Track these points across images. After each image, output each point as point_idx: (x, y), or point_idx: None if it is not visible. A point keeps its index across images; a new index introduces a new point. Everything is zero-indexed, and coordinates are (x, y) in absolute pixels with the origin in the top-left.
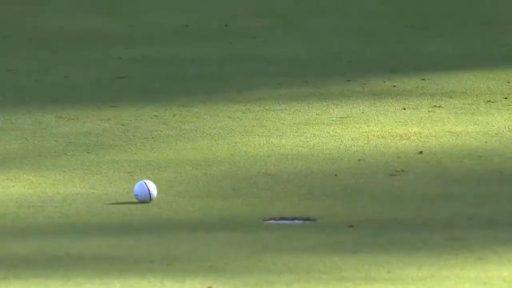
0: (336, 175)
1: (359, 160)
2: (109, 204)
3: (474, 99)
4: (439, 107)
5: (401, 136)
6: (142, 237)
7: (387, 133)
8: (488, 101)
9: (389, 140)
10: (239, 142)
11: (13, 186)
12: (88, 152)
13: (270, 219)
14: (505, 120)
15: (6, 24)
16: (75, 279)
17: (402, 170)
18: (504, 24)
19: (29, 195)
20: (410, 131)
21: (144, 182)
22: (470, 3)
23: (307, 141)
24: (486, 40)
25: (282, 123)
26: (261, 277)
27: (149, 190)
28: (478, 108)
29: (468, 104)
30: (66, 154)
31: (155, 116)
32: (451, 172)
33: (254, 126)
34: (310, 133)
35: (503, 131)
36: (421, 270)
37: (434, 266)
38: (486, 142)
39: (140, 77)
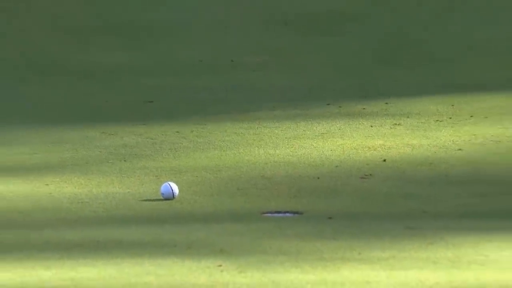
0: (318, 178)
1: (336, 166)
2: (141, 200)
3: (426, 118)
4: (399, 124)
5: (369, 147)
6: (167, 227)
7: (358, 145)
8: (436, 120)
9: (359, 151)
10: (242, 152)
11: (66, 186)
12: (124, 160)
13: (267, 212)
14: (450, 135)
15: (58, 58)
16: (114, 259)
17: (370, 174)
18: (448, 61)
19: (79, 193)
20: (376, 143)
21: (168, 184)
22: (422, 43)
23: (296, 152)
24: (435, 72)
25: (276, 138)
26: (260, 258)
27: (172, 190)
28: (429, 126)
29: (422, 122)
30: (107, 162)
31: (177, 132)
32: (408, 176)
33: (254, 140)
34: (298, 145)
35: (448, 143)
36: (385, 252)
37: (395, 249)
38: (435, 152)
39: (164, 101)
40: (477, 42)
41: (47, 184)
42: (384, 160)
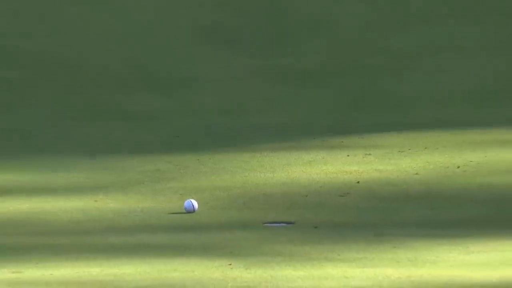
0: (306, 195)
1: (320, 186)
2: (168, 213)
3: (391, 149)
4: (369, 154)
5: (346, 172)
6: (189, 234)
7: (337, 170)
8: (399, 151)
9: (338, 174)
10: (247, 176)
11: (110, 202)
12: (156, 182)
13: (267, 222)
14: (409, 163)
15: (107, 103)
16: (148, 259)
17: (347, 193)
18: (408, 106)
19: (120, 208)
20: (351, 169)
21: (190, 200)
22: (389, 92)
23: (289, 175)
24: (398, 115)
25: (274, 164)
26: (261, 258)
27: (193, 205)
28: (393, 155)
29: (387, 152)
30: (143, 183)
31: (197, 160)
32: (377, 194)
33: (257, 166)
34: (291, 170)
35: (407, 169)
36: (359, 254)
37: (367, 251)
38: (397, 175)
39: (188, 136)
40: (430, 92)
41: (96, 201)
42: (358, 182)
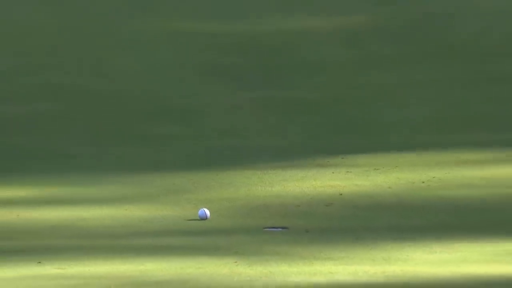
0: (299, 205)
1: (310, 198)
2: (186, 220)
3: (368, 168)
4: (350, 172)
5: (331, 186)
6: (201, 237)
7: (324, 184)
8: (375, 169)
9: (325, 188)
10: (250, 189)
11: (137, 211)
12: (174, 194)
13: (267, 227)
14: (383, 179)
15: (129, 130)
16: (168, 258)
17: (332, 203)
18: (382, 133)
19: (145, 215)
20: (335, 183)
21: (203, 209)
22: (364, 121)
23: (285, 189)
24: (373, 138)
25: (272, 180)
26: (262, 257)
27: (206, 213)
28: (370, 172)
29: (365, 170)
30: (163, 195)
31: (208, 176)
32: (356, 204)
33: (258, 181)
34: (286, 185)
35: (382, 184)
36: (341, 253)
37: (348, 251)
38: (373, 189)
39: (200, 156)
40: (401, 120)
41: (126, 209)
42: (341, 194)
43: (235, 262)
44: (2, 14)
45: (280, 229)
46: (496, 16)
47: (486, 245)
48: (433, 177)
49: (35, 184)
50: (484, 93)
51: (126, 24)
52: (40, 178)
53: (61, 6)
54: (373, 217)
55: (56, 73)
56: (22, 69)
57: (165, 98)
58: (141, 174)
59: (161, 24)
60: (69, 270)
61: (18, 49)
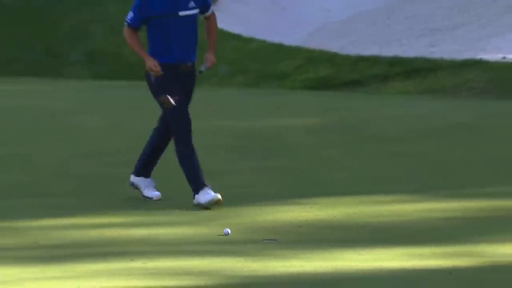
0: (275, 240)
1: (300, 227)
2: (215, 235)
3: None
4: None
5: (301, 215)
6: (223, 245)
7: (294, 215)
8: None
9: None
10: (252, 213)
11: (193, 231)
12: (212, 220)
13: (265, 240)
14: (343, 209)
15: None
16: (185, 257)
17: (301, 226)
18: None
19: (168, 232)
20: (306, 215)
21: (227, 228)
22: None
23: (277, 219)
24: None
25: (268, 212)
26: (263, 258)
27: (228, 231)
28: (327, 205)
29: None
30: (205, 221)
31: (227, 210)
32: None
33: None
34: (279, 216)
35: (335, 216)
36: (313, 255)
37: (319, 253)
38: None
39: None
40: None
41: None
42: (307, 220)
43: (245, 259)
44: None
45: (272, 241)
46: None
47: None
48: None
49: None
50: None
51: None
52: None
53: None
54: (326, 233)
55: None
56: None
57: None
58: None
59: None
60: (148, 264)
61: None
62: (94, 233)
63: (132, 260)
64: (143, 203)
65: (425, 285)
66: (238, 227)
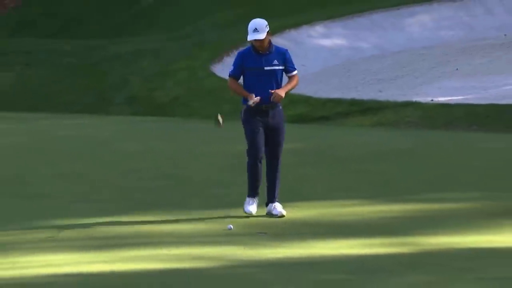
0: (265, 233)
1: (285, 223)
2: (221, 230)
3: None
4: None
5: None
6: (229, 237)
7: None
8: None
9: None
10: (249, 214)
11: (202, 224)
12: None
13: (258, 232)
14: (317, 210)
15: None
16: (205, 247)
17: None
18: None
19: (186, 227)
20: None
21: (230, 224)
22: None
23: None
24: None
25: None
26: (257, 246)
27: (231, 227)
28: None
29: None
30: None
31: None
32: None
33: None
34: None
35: (310, 216)
36: (293, 249)
37: (291, 244)
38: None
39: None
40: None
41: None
42: (289, 219)
43: (244, 247)
44: None
45: (263, 234)
46: None
47: None
48: None
49: None
50: None
51: None
52: None
53: None
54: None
55: None
56: None
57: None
58: (205, 213)
59: None
60: (172, 251)
61: None
62: (132, 228)
63: (160, 248)
64: (167, 206)
65: (376, 267)
66: (238, 223)
